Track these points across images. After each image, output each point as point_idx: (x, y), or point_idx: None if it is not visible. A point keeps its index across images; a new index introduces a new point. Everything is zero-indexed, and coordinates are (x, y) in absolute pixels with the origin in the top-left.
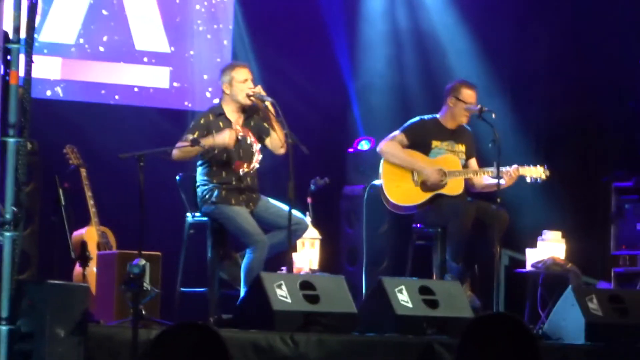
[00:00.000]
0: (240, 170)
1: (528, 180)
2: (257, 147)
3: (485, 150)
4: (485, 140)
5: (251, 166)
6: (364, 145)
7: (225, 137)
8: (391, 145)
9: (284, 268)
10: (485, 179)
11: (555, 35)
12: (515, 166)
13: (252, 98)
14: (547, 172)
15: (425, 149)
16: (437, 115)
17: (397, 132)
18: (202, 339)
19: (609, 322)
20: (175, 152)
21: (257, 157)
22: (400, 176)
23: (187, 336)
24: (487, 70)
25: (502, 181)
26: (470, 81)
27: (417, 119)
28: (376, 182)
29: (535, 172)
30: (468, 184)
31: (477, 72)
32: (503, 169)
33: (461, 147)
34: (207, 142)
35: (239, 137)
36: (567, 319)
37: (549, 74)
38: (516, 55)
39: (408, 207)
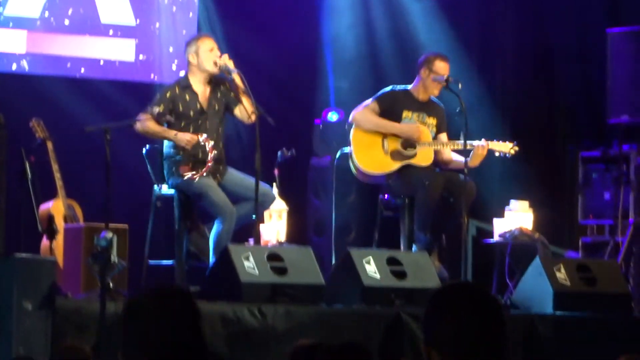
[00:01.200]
0: (206, 143)
1: (497, 154)
2: (221, 122)
3: (455, 125)
4: (455, 116)
5: (217, 138)
6: (333, 117)
7: (183, 141)
8: (364, 112)
9: (251, 239)
10: (453, 155)
11: (521, 5)
12: (483, 141)
13: (219, 66)
14: (516, 148)
15: (396, 119)
16: (409, 87)
17: (369, 101)
18: (178, 305)
19: (577, 291)
20: (139, 126)
21: (222, 129)
22: (371, 144)
23: (161, 302)
24: (453, 42)
25: (469, 160)
26: (443, 53)
27: (388, 88)
28: (345, 149)
29: (504, 147)
30: (436, 160)
31: (443, 44)
32: (472, 142)
33: (432, 120)
34: (168, 134)
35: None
36: (535, 289)
37: (514, 44)
38: (482, 27)
39: (377, 176)
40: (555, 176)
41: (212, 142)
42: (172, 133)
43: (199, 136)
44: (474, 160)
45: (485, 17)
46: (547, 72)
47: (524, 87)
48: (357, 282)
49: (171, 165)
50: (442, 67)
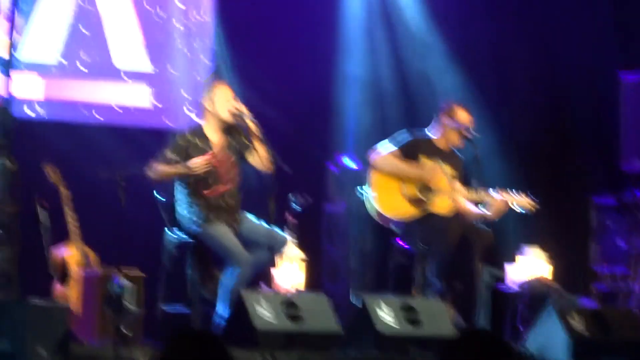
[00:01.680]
0: (223, 190)
1: (513, 205)
2: (236, 169)
3: (470, 172)
4: (468, 164)
5: (233, 185)
6: (350, 163)
7: (196, 167)
8: (384, 157)
9: (262, 283)
10: (470, 206)
11: (534, 50)
12: (502, 194)
13: (234, 115)
14: (536, 206)
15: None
16: (427, 131)
17: (387, 143)
18: (214, 352)
19: (591, 339)
20: (152, 174)
21: (237, 175)
22: (390, 188)
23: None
24: (467, 86)
25: (488, 212)
26: (463, 103)
27: (406, 132)
28: (361, 192)
29: (524, 203)
30: (454, 211)
31: (457, 89)
32: (491, 194)
33: (449, 170)
34: (181, 169)
35: (213, 164)
36: (549, 336)
37: (529, 90)
38: (494, 73)
39: (394, 221)
40: (569, 223)
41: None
42: (181, 167)
43: (211, 160)
44: (495, 214)
45: (497, 63)
46: (561, 118)
47: (537, 133)
48: (372, 328)
49: (185, 212)
50: (463, 116)
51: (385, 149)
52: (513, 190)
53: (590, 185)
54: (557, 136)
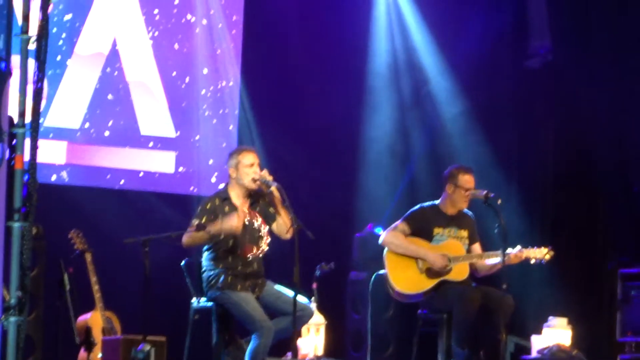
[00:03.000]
0: (249, 254)
1: (532, 262)
2: (265, 230)
3: (489, 234)
4: (488, 223)
5: (259, 250)
6: (379, 231)
7: (233, 222)
8: (394, 235)
9: (289, 354)
10: (488, 260)
11: (560, 115)
12: (519, 247)
13: (257, 182)
14: (551, 253)
15: (428, 236)
16: (437, 202)
17: (398, 222)
18: None
19: None
20: (185, 239)
21: (266, 240)
22: (405, 264)
23: None
24: (491, 151)
25: (505, 258)
26: (467, 165)
27: (417, 207)
28: (381, 271)
29: (539, 254)
30: (472, 269)
31: (481, 155)
32: (508, 252)
33: (464, 233)
34: (214, 227)
35: (246, 221)
36: None
37: (553, 154)
38: (521, 136)
39: (414, 295)
40: (594, 292)
41: (254, 252)
42: (217, 225)
43: (244, 215)
44: (512, 260)
45: (524, 128)
46: (588, 185)
47: (563, 201)
48: None
49: (210, 277)
50: (466, 181)
51: (397, 226)
52: (534, 246)
53: (616, 255)
54: (584, 205)
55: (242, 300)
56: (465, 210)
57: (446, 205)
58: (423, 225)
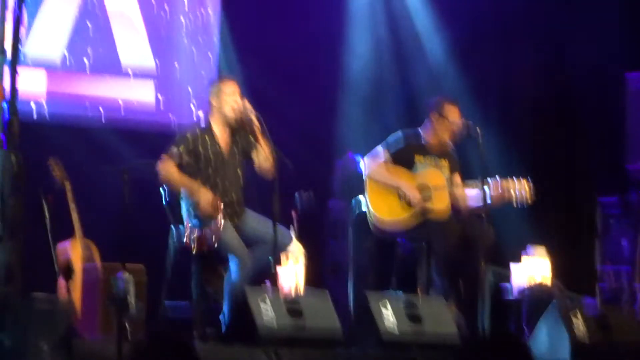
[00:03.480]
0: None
1: (515, 205)
2: (240, 168)
3: (469, 166)
4: (469, 156)
5: (235, 183)
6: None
7: (205, 202)
8: (374, 162)
9: (268, 282)
10: (470, 198)
11: (541, 50)
12: (497, 178)
13: (237, 111)
14: (530, 184)
15: (409, 164)
16: (420, 130)
17: (379, 148)
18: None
19: (594, 339)
20: (162, 173)
21: (241, 173)
22: (386, 192)
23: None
24: (471, 85)
25: (489, 202)
26: (453, 98)
27: (398, 133)
28: (360, 198)
29: (519, 185)
30: (454, 207)
31: (461, 87)
32: (490, 181)
33: (444, 162)
34: (190, 186)
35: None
36: (552, 337)
37: (533, 89)
38: (501, 71)
39: (393, 225)
40: (573, 222)
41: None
42: (196, 186)
43: (220, 203)
44: (495, 202)
45: (504, 61)
46: (566, 116)
47: (542, 133)
48: (374, 326)
49: (189, 206)
50: (452, 112)
51: (378, 154)
52: (513, 177)
53: (596, 184)
54: (563, 136)
55: (221, 228)
56: (448, 141)
57: (428, 134)
58: (404, 153)
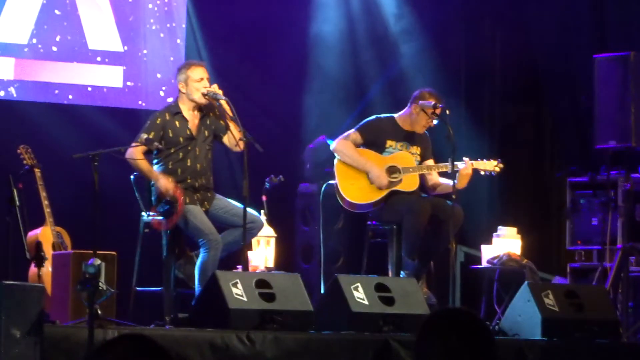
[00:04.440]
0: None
1: (482, 173)
2: (210, 152)
3: (442, 151)
4: (442, 142)
5: (204, 168)
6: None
7: (163, 188)
8: (344, 144)
9: (239, 266)
10: (441, 179)
11: (508, 30)
12: (467, 160)
13: (207, 97)
14: (501, 165)
15: (379, 148)
16: (395, 115)
17: (351, 131)
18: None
19: (565, 317)
20: (130, 157)
21: (209, 157)
22: (355, 175)
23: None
24: (440, 66)
25: (456, 182)
26: (436, 90)
27: (373, 117)
28: (331, 181)
29: (489, 165)
30: (424, 186)
31: (430, 68)
32: (457, 163)
33: (415, 150)
34: (152, 175)
35: (178, 197)
36: (523, 314)
37: (502, 69)
38: (469, 51)
39: (363, 205)
40: (543, 202)
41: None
42: (154, 175)
43: (178, 189)
44: (461, 182)
45: (472, 42)
46: (535, 98)
47: (511, 113)
48: (346, 308)
49: (159, 191)
50: (435, 99)
51: (349, 136)
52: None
53: (565, 164)
54: (532, 116)
55: (191, 213)
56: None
57: (404, 121)
58: (376, 137)
